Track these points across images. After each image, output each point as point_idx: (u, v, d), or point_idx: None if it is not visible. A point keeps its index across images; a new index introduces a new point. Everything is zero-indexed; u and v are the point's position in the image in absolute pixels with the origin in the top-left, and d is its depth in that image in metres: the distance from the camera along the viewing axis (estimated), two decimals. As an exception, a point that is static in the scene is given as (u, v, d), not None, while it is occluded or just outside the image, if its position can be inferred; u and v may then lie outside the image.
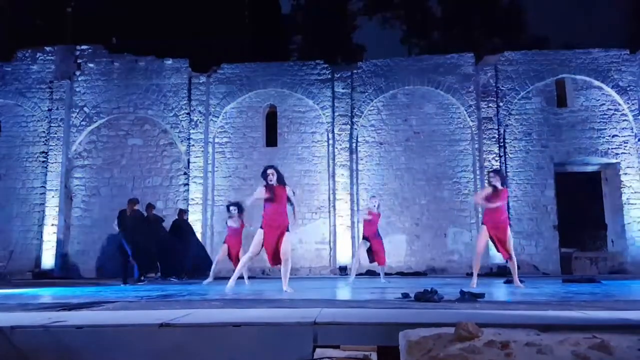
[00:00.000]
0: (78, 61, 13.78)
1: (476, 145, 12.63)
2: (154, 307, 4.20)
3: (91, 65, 13.68)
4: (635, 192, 12.13)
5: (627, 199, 12.15)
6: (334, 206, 12.59)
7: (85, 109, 13.49)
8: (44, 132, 13.37)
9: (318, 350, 2.81)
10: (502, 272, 11.12)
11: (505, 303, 4.54)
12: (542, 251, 12.09)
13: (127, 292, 6.46)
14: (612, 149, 12.35)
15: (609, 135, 12.41)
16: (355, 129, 12.98)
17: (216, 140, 13.32)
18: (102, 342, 2.96)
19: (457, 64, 13.01)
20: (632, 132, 12.34)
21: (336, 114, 12.96)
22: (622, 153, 12.30)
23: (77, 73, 13.69)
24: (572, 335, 2.34)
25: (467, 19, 24.75)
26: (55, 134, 13.18)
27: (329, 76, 13.19)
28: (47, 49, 13.78)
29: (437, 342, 2.33)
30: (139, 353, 2.94)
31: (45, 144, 13.29)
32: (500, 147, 12.49)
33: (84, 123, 13.43)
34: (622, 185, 12.21)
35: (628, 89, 12.44)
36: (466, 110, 12.79)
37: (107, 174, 13.27)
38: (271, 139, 13.42)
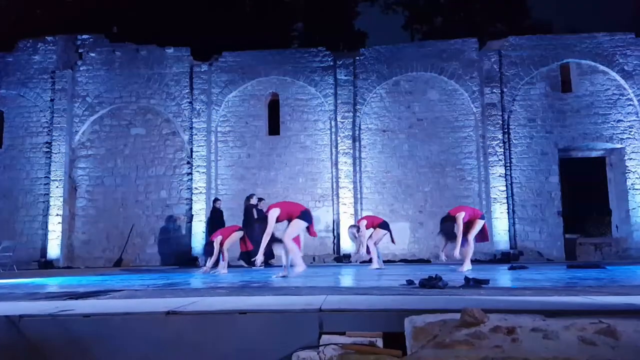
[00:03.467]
0: (79, 51, 13.73)
1: (480, 132, 12.56)
2: (160, 295, 4.23)
3: (93, 54, 13.63)
4: (640, 178, 12.08)
5: (632, 184, 12.09)
6: (337, 194, 12.58)
7: (87, 98, 13.47)
8: (47, 122, 13.37)
9: (324, 336, 2.82)
10: (506, 259, 11.16)
11: (511, 289, 4.55)
12: (547, 237, 12.08)
13: (133, 281, 6.50)
14: (617, 134, 12.26)
15: (614, 120, 12.32)
16: (358, 116, 12.92)
17: (219, 129, 13.30)
18: (110, 330, 2.98)
19: (461, 50, 12.89)
20: (638, 116, 12.24)
21: (339, 101, 12.89)
22: (627, 138, 12.22)
23: (79, 63, 13.65)
24: (578, 321, 2.34)
25: (470, 3, 24.46)
26: (58, 124, 13.19)
27: (331, 63, 13.10)
28: (49, 38, 13.72)
29: (443, 328, 2.33)
30: (146, 340, 2.97)
31: (48, 134, 13.30)
32: (504, 133, 12.42)
33: (86, 113, 13.42)
34: (627, 171, 12.14)
35: (633, 73, 12.30)
36: (470, 97, 12.70)
37: (110, 163, 13.29)
38: (274, 128, 13.39)
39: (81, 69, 13.59)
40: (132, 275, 8.31)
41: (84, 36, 13.83)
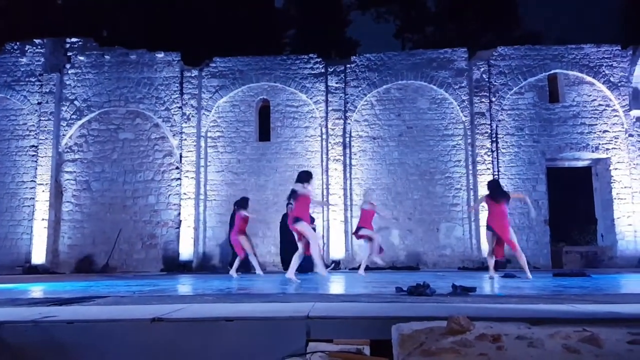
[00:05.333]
0: (68, 54, 13.62)
1: (469, 140, 12.66)
2: (146, 301, 4.18)
3: (81, 58, 13.53)
4: (625, 187, 12.24)
5: (617, 194, 12.26)
6: (327, 201, 12.58)
7: (75, 102, 13.36)
8: (33, 125, 13.24)
9: (311, 344, 2.81)
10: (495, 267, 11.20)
11: (497, 297, 4.58)
12: (533, 245, 12.18)
13: (119, 287, 6.43)
14: (602, 144, 12.43)
15: (600, 131, 12.50)
16: (349, 123, 12.97)
17: (209, 134, 13.26)
18: (94, 337, 2.94)
19: (451, 59, 13.02)
20: (623, 127, 12.43)
21: (329, 108, 12.93)
22: (612, 148, 12.40)
23: (67, 66, 13.54)
24: (563, 329, 2.36)
25: (461, 13, 24.74)
26: (45, 127, 13.06)
27: (322, 70, 13.15)
28: (37, 41, 13.61)
29: (430, 335, 2.34)
30: (131, 348, 2.93)
31: (35, 138, 13.16)
32: (492, 142, 12.53)
33: (74, 116, 13.31)
34: (612, 180, 12.31)
35: (619, 84, 12.51)
36: (459, 105, 12.82)
37: (98, 168, 13.17)
38: (264, 134, 13.38)
39: (69, 72, 13.49)
40: (118, 281, 8.21)
41: (73, 39, 13.73)
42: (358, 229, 8.98)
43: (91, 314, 3.36)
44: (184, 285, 7.02)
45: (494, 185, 8.00)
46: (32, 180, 12.97)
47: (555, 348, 2.09)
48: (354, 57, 13.41)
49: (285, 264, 9.81)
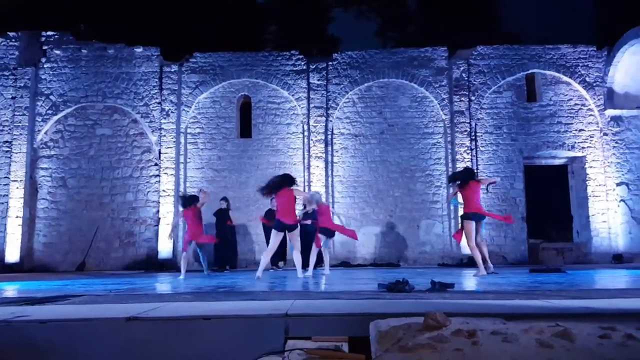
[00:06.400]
0: (44, 48, 13.30)
1: (449, 138, 12.79)
2: (122, 300, 4.12)
3: (57, 52, 13.23)
4: (599, 185, 12.52)
5: (592, 191, 12.53)
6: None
7: (51, 97, 13.07)
8: (7, 120, 12.90)
9: (290, 341, 2.81)
10: (472, 263, 11.35)
11: (474, 292, 4.64)
12: (511, 242, 12.38)
13: (95, 286, 6.33)
14: (578, 142, 12.69)
15: (576, 130, 12.74)
16: (331, 120, 12.97)
17: (188, 130, 13.12)
18: (67, 337, 2.89)
19: (431, 58, 13.11)
20: (598, 126, 12.70)
21: (311, 105, 12.91)
22: (588, 147, 12.66)
23: (43, 60, 13.23)
24: (537, 324, 2.40)
25: (441, 13, 24.93)
26: (20, 122, 12.74)
27: (304, 67, 13.11)
28: (11, 34, 13.25)
29: (407, 331, 2.35)
30: (106, 348, 2.88)
31: (9, 133, 12.83)
32: (471, 140, 12.68)
33: (50, 112, 13.02)
34: (587, 178, 12.57)
35: (594, 84, 12.77)
36: (439, 104, 12.92)
37: (74, 164, 12.92)
38: (245, 130, 13.29)
39: (45, 66, 13.19)
40: (94, 280, 8.08)
41: (49, 33, 13.41)
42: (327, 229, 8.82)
43: (65, 313, 3.30)
44: (162, 283, 6.94)
45: (464, 171, 8.07)
46: (5, 177, 12.65)
47: (529, 343, 2.12)
48: (336, 54, 13.41)
49: (271, 260, 9.85)
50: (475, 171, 9.52)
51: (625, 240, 12.27)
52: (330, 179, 12.75)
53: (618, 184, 12.46)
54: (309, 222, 8.73)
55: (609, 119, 12.63)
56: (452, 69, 12.91)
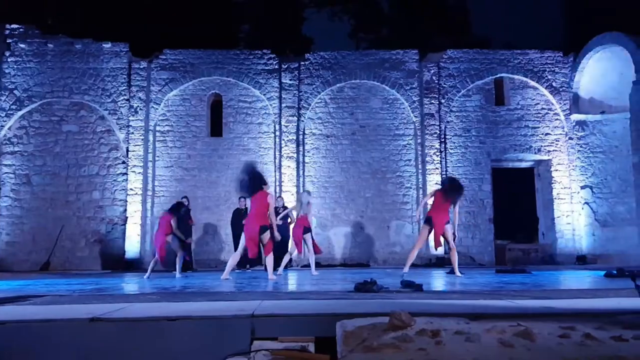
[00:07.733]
0: (8, 41, 12.84)
1: (419, 140, 12.95)
2: (85, 301, 4.02)
3: (22, 45, 12.81)
4: (564, 188, 12.90)
5: (557, 194, 12.90)
6: (280, 197, 12.51)
7: (15, 92, 12.64)
8: (-33, 115, 12.41)
9: (256, 342, 2.79)
10: (440, 263, 11.55)
11: (440, 293, 4.71)
12: (479, 243, 12.63)
13: (59, 286, 6.15)
14: (544, 146, 13.04)
15: (543, 134, 13.10)
16: (303, 121, 12.96)
17: (157, 128, 12.89)
18: (27, 339, 2.80)
19: (402, 60, 13.25)
20: (563, 130, 13.08)
21: (283, 105, 12.88)
22: (553, 150, 13.03)
23: (7, 53, 12.77)
24: (499, 324, 2.45)
25: (413, 16, 25.21)
26: (-19, 117, 12.27)
27: (276, 67, 13.06)
28: (-28, 26, 12.77)
29: (372, 331, 2.37)
30: (68, 350, 2.81)
31: (-31, 128, 12.34)
32: (441, 142, 12.88)
33: (14, 107, 12.58)
34: (553, 181, 12.94)
35: (560, 89, 13.15)
36: (410, 106, 13.08)
37: (39, 161, 12.53)
38: (216, 129, 13.15)
39: (9, 60, 12.74)
40: (59, 280, 7.85)
41: (14, 26, 12.95)
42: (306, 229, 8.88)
43: (25, 314, 3.20)
44: (128, 284, 6.80)
45: (453, 184, 8.18)
46: (-35, 174, 12.16)
47: (491, 342, 2.17)
48: (309, 54, 13.41)
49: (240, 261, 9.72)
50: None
51: (588, 241, 12.69)
52: (301, 179, 12.74)
53: (582, 187, 12.87)
54: (280, 222, 8.71)
55: (574, 124, 13.03)
56: (422, 72, 13.08)
